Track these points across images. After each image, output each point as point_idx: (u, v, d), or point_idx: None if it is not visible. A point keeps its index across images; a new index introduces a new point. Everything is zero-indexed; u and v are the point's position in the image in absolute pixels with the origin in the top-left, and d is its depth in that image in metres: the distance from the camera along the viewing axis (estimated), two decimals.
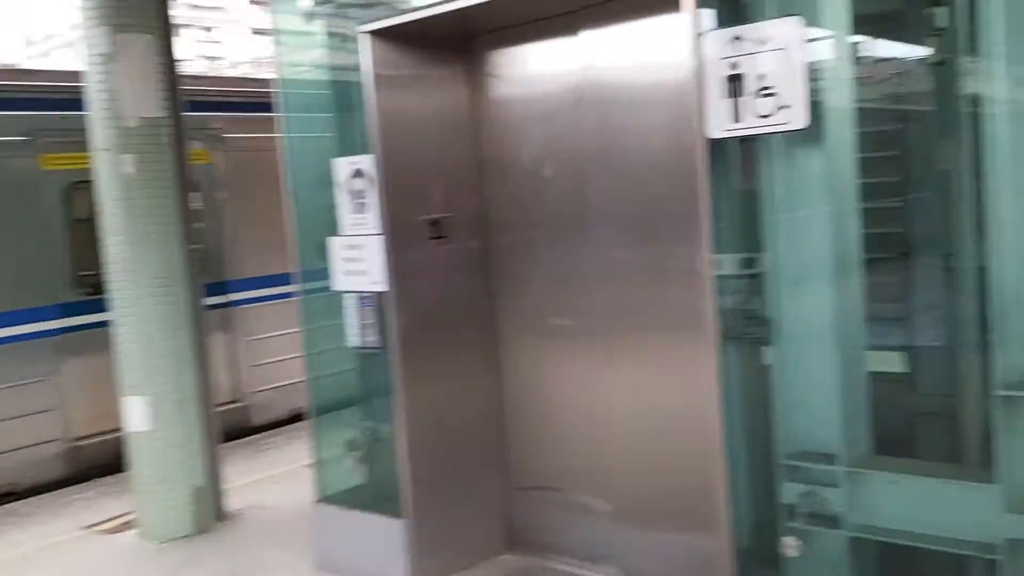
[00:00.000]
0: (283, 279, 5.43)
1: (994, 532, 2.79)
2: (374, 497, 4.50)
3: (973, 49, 2.98)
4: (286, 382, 7.23)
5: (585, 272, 4.14)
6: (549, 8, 4.01)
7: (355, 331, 4.34)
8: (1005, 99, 2.79)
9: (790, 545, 3.08)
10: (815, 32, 3.08)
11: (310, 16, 4.58)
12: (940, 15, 3.40)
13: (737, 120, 3.09)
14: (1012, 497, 2.76)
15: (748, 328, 3.32)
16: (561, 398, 4.33)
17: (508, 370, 4.52)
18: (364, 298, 4.26)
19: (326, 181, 4.37)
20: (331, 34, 4.55)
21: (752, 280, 3.32)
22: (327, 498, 4.68)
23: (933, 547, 2.93)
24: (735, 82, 3.09)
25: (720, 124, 3.13)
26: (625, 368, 4.03)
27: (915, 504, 2.98)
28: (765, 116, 3.04)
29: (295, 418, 7.15)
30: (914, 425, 3.53)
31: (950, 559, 2.95)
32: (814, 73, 3.03)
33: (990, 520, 2.80)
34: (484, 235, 4.46)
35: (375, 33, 4.11)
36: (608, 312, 4.07)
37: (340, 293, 4.39)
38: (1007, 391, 2.75)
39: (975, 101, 3.04)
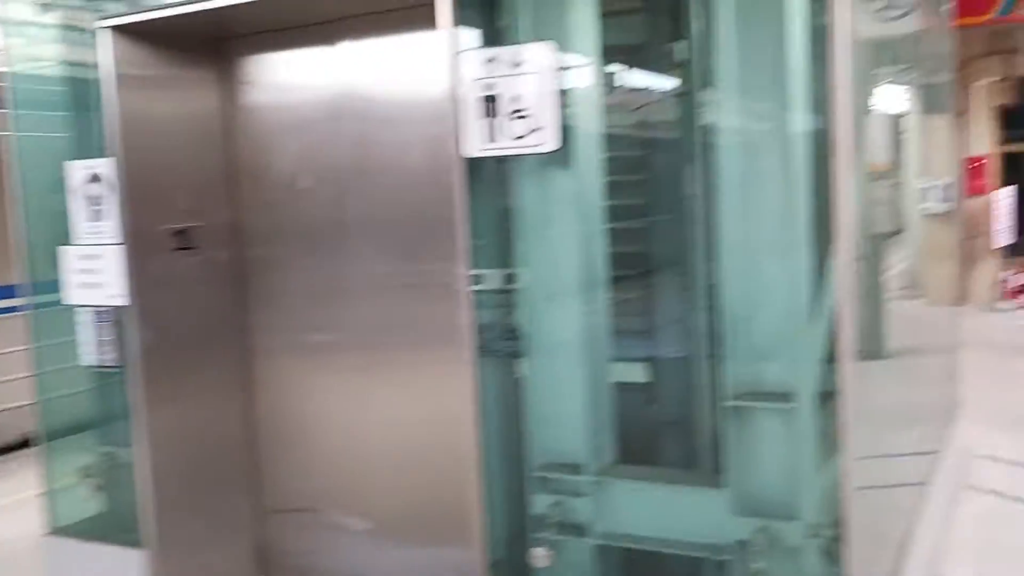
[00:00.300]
0: (10, 291, 4.94)
1: (724, 534, 2.99)
2: (112, 527, 4.17)
3: (709, 81, 3.19)
4: (15, 404, 6.58)
5: (343, 286, 4.06)
6: (303, 16, 3.91)
7: (91, 348, 4.02)
8: (734, 129, 3.01)
9: (539, 556, 3.15)
10: (568, 58, 3.19)
11: (45, 6, 4.22)
12: (680, 49, 3.64)
13: (492, 140, 3.14)
14: (739, 501, 2.97)
15: (503, 342, 3.37)
16: (318, 416, 4.22)
17: (262, 388, 4.34)
18: (101, 313, 3.95)
19: (61, 185, 4.03)
20: (69, 27, 4.21)
21: (507, 295, 3.38)
22: (59, 529, 4.29)
23: (671, 551, 3.10)
24: (490, 103, 3.14)
25: (476, 143, 3.17)
26: (384, 383, 3.99)
27: (655, 510, 3.14)
28: (519, 138, 3.10)
29: (27, 443, 6.53)
30: (656, 434, 3.73)
31: (687, 562, 3.13)
32: (566, 98, 3.14)
33: (720, 523, 3.00)
34: (237, 247, 4.27)
35: (117, 29, 3.83)
36: (366, 327, 4.01)
37: (74, 307, 4.05)
38: (734, 401, 2.96)
39: (709, 130, 3.26)
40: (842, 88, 2.63)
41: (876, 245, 6.05)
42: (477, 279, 3.30)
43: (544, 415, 3.28)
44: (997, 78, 11.26)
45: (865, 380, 4.75)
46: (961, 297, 11.19)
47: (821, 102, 2.94)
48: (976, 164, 11.36)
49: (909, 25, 6.07)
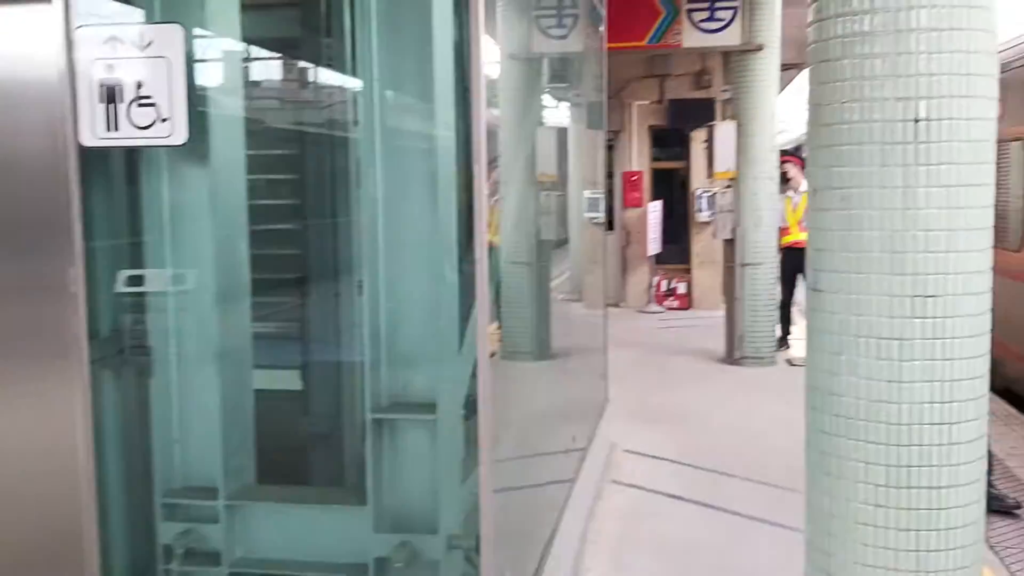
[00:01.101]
0: None
1: (365, 553, 2.88)
2: None
3: (356, 77, 3.08)
4: None
5: None
6: None
7: None
8: (375, 126, 2.91)
9: None
10: (206, 45, 2.94)
11: None
12: (330, 46, 3.49)
13: (113, 128, 2.80)
14: (379, 518, 2.87)
15: (128, 354, 3.04)
16: None
17: None
18: None
19: None
20: None
21: (135, 300, 3.05)
22: None
23: (312, 574, 2.94)
24: (111, 87, 2.80)
25: (95, 131, 2.82)
26: None
27: (297, 532, 2.97)
28: (144, 127, 2.80)
29: None
30: (305, 448, 3.55)
31: None
32: (204, 88, 2.89)
33: (362, 542, 2.88)
34: None
35: None
36: None
37: None
38: (376, 414, 2.86)
39: (360, 132, 3.15)
40: (479, 98, 2.60)
41: (543, 252, 6.29)
42: (97, 282, 2.94)
43: (176, 435, 3.00)
44: (652, 100, 12.28)
45: (525, 382, 4.89)
46: (618, 300, 12.08)
47: (466, 111, 2.94)
48: (633, 178, 12.32)
49: (570, 44, 6.37)
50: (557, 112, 7.97)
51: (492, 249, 4.45)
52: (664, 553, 4.30)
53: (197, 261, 3.00)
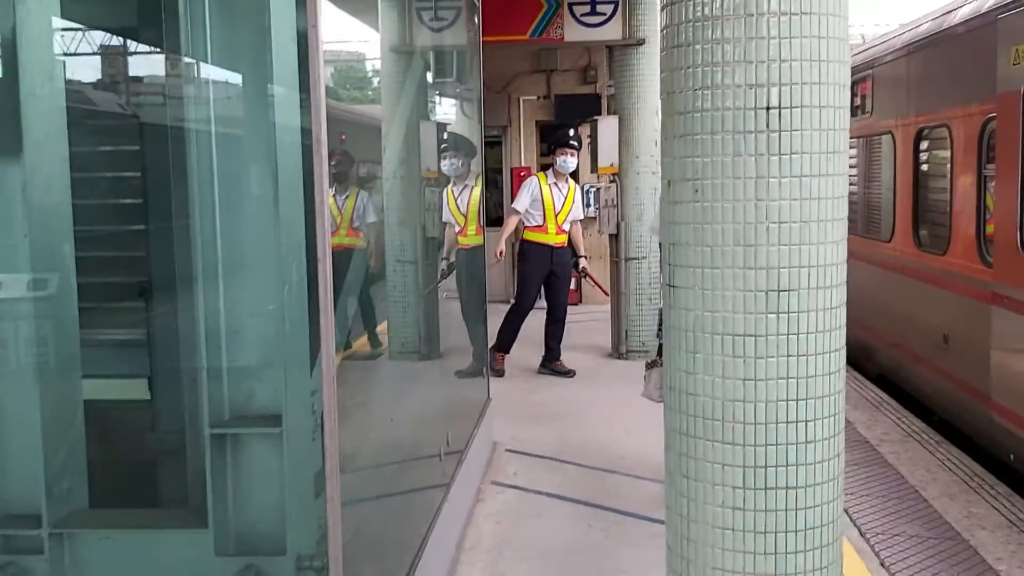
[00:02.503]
0: None
1: None
2: None
3: (197, 72, 2.85)
4: None
5: None
6: None
7: None
8: (211, 117, 2.70)
9: None
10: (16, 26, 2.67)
11: None
12: (166, 34, 3.23)
13: None
14: (220, 540, 2.66)
15: None
16: None
17: None
18: None
19: None
20: None
21: None
22: None
23: None
24: None
25: None
26: None
27: (132, 560, 2.73)
28: None
29: None
30: (151, 466, 3.29)
31: None
32: (15, 73, 2.62)
33: (205, 566, 2.67)
34: None
35: None
36: None
37: None
38: (215, 429, 2.64)
39: (201, 124, 2.92)
40: (318, 87, 2.41)
41: (429, 249, 6.13)
42: None
43: None
44: (539, 95, 12.22)
45: (409, 382, 4.71)
46: (508, 296, 11.97)
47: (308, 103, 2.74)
48: (522, 173, 12.23)
49: (451, 37, 6.19)
50: (440, 107, 7.79)
51: (354, 251, 4.25)
52: (543, 557, 4.19)
53: (9, 264, 2.72)
